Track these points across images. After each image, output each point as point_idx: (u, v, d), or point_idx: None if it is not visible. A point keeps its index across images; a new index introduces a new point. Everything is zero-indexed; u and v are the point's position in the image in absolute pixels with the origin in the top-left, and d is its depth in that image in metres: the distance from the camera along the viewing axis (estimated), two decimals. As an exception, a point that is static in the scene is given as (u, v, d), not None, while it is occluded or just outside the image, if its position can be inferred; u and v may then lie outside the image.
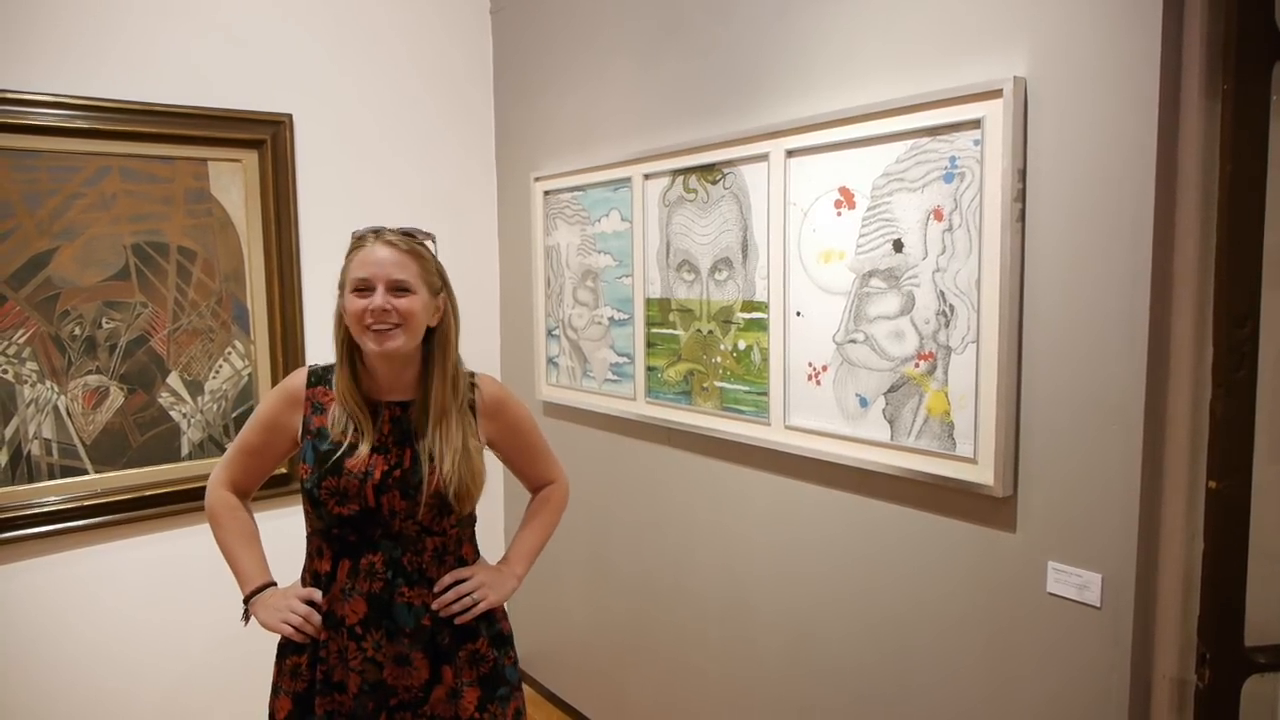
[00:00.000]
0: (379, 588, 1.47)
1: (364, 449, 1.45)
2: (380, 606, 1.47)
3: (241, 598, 1.54)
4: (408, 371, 1.51)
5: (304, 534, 1.57)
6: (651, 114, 2.34)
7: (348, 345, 1.49)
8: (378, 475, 1.45)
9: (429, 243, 1.51)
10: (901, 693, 1.81)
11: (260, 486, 1.64)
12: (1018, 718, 1.61)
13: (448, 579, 1.52)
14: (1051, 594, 1.53)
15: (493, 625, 1.58)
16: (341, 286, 1.47)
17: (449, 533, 1.52)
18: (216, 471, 1.60)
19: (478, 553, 1.62)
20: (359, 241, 1.47)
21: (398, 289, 1.43)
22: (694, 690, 2.35)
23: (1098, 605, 1.47)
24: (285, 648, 1.53)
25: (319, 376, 1.54)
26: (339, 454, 1.45)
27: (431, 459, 1.46)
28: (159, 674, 2.46)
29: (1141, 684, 1.45)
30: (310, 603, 1.49)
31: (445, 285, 1.53)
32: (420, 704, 1.49)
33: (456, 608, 1.51)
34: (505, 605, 1.62)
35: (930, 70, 1.65)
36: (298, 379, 1.54)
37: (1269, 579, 1.42)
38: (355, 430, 1.46)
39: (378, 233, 1.46)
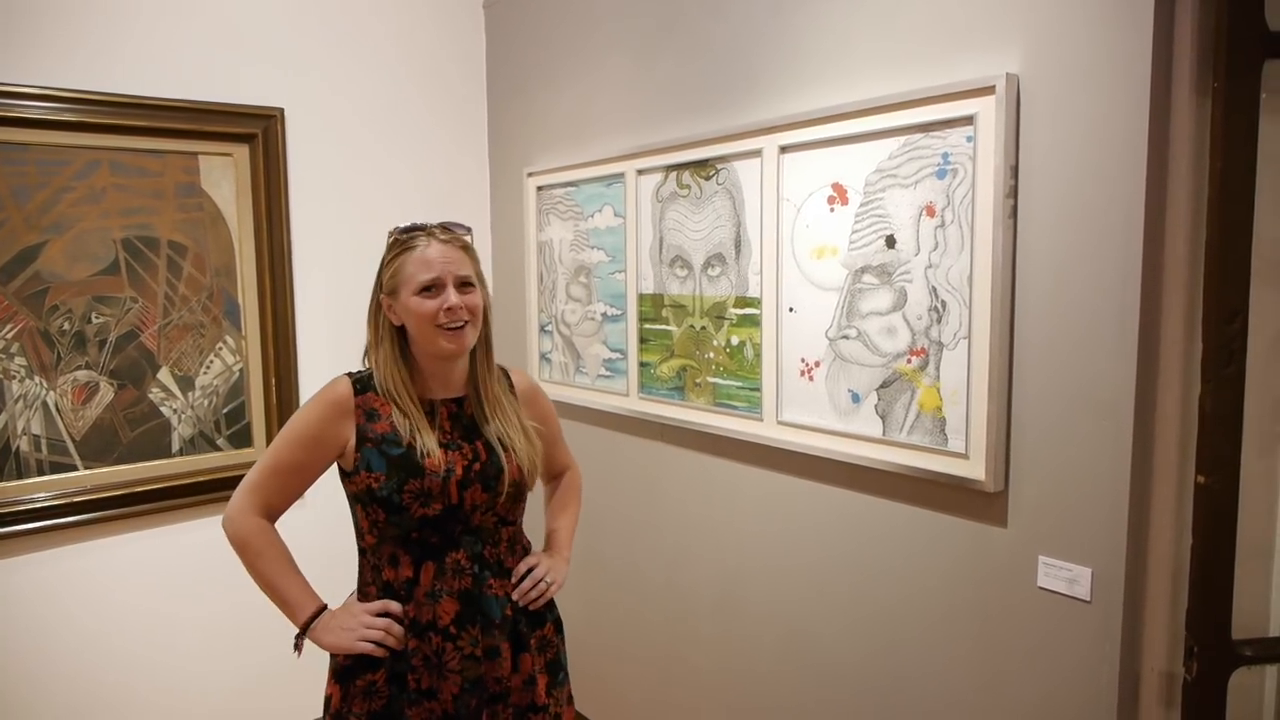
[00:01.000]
0: (468, 584, 1.46)
1: (434, 447, 1.44)
2: (471, 602, 1.46)
3: (296, 628, 1.46)
4: (459, 367, 1.51)
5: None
6: (645, 109, 2.33)
7: (396, 345, 1.48)
8: (459, 471, 1.44)
9: (468, 237, 1.52)
10: (893, 686, 1.82)
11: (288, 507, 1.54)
12: (1008, 710, 1.62)
13: (522, 568, 1.54)
14: (1042, 588, 1.54)
15: (552, 611, 1.61)
16: (392, 289, 1.45)
17: (518, 522, 1.57)
18: (241, 498, 1.47)
19: (529, 541, 1.64)
20: (410, 241, 1.45)
21: (464, 285, 1.44)
22: (686, 685, 2.36)
23: (1087, 599, 1.48)
24: (353, 668, 1.45)
25: (363, 384, 1.49)
26: (416, 455, 1.43)
27: (504, 446, 1.49)
28: (151, 669, 2.45)
29: (1130, 677, 1.47)
30: (386, 614, 1.44)
31: (483, 278, 1.54)
32: (508, 695, 1.50)
33: (534, 594, 1.53)
34: None
35: (923, 67, 1.66)
36: (342, 389, 1.47)
37: (1256, 573, 1.43)
38: (419, 431, 1.45)
39: (428, 230, 1.45)
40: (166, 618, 2.47)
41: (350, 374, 1.51)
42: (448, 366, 1.50)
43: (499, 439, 1.50)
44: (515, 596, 1.51)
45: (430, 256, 1.43)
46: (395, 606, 1.45)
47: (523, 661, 1.52)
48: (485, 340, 1.54)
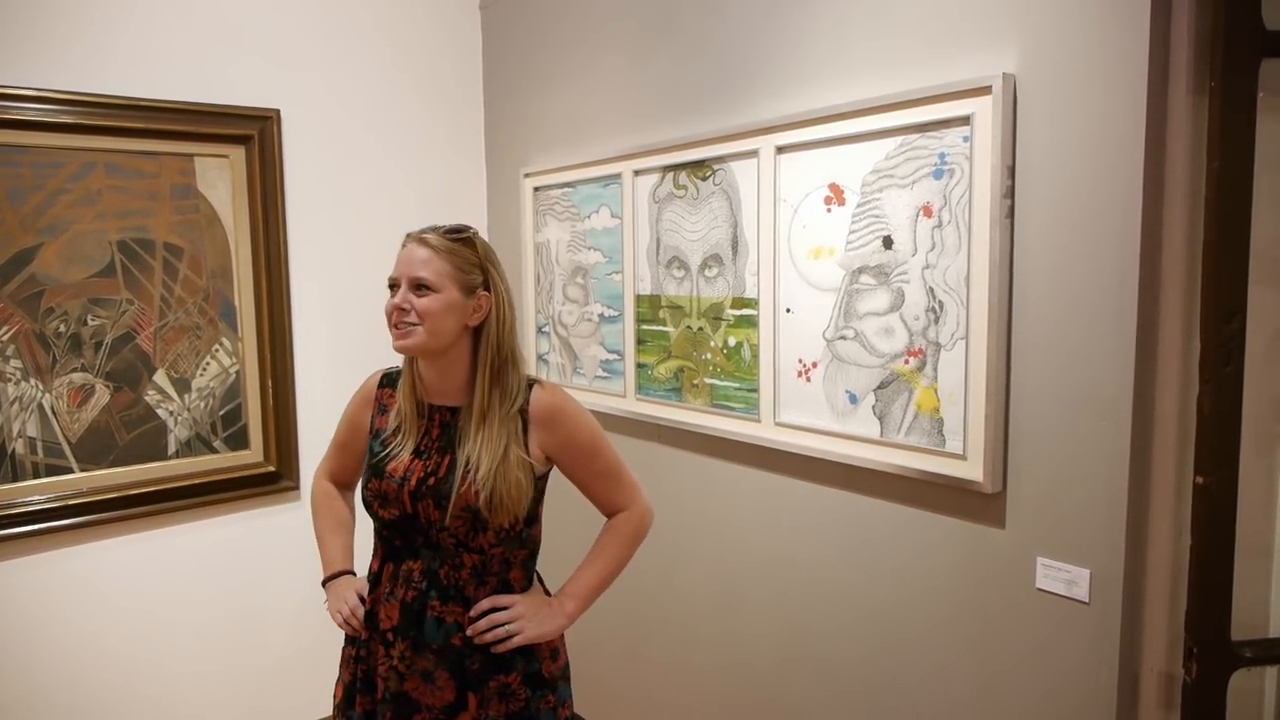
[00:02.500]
0: (412, 597, 1.43)
1: (406, 452, 1.44)
2: (410, 616, 1.43)
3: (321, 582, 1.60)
4: (454, 375, 1.45)
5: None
6: (642, 110, 2.33)
7: None
8: (413, 481, 1.42)
9: (472, 238, 1.46)
10: (892, 687, 1.81)
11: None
12: (1007, 712, 1.61)
13: (484, 604, 1.42)
14: (1040, 589, 1.54)
15: (530, 662, 1.46)
16: None
17: (488, 552, 1.42)
18: (320, 464, 1.70)
19: (530, 581, 1.51)
20: (404, 240, 1.47)
21: (418, 287, 1.40)
22: (684, 686, 2.35)
23: (1086, 600, 1.48)
24: (348, 636, 1.56)
25: (390, 379, 1.56)
26: (386, 457, 1.45)
27: (468, 467, 1.39)
28: (147, 672, 2.45)
29: (1129, 678, 1.46)
30: (361, 598, 1.51)
31: (490, 283, 1.45)
32: None
33: (489, 637, 1.41)
34: (562, 643, 1.53)
35: (920, 67, 1.65)
36: (372, 380, 1.59)
37: (1255, 573, 1.43)
38: (405, 433, 1.46)
39: (421, 232, 1.45)
40: (163, 621, 2.46)
41: (388, 368, 1.59)
42: (438, 371, 1.45)
43: (468, 459, 1.39)
44: (469, 632, 1.42)
45: (401, 256, 1.44)
46: (366, 592, 1.52)
47: (469, 700, 1.43)
48: (488, 349, 1.43)
